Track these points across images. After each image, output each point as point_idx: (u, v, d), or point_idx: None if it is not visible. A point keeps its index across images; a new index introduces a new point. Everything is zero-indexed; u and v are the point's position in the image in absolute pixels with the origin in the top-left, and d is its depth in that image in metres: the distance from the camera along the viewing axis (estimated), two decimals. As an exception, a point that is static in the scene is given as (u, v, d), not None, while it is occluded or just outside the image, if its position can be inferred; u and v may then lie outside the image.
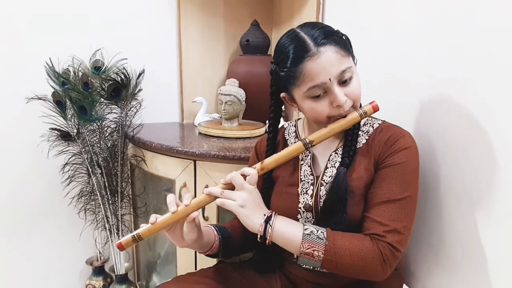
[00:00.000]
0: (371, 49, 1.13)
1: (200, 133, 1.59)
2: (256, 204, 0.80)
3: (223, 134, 1.51)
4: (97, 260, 1.77)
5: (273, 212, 0.81)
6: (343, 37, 0.82)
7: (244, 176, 0.82)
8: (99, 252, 1.77)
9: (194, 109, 1.83)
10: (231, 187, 0.81)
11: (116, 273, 1.71)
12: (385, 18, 1.08)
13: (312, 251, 0.76)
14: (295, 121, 1.03)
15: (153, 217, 0.81)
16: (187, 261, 1.44)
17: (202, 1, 1.80)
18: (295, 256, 0.86)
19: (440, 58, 0.87)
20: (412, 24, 0.97)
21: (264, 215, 0.80)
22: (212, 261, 1.12)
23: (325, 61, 0.77)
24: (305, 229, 0.78)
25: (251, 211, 0.79)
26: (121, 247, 0.80)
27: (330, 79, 0.77)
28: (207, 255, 0.95)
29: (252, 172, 0.82)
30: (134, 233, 0.80)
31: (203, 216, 1.33)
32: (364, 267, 0.75)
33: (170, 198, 0.83)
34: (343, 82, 0.80)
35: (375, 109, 0.81)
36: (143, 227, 0.81)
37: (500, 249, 0.73)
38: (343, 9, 1.31)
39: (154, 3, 1.77)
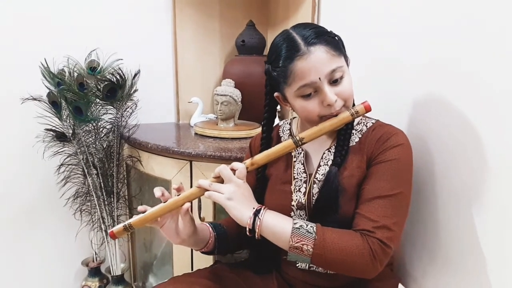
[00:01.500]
0: (367, 48, 1.14)
1: (196, 133, 1.59)
2: (244, 197, 0.81)
3: (219, 134, 1.51)
4: (93, 261, 1.77)
5: (263, 206, 0.81)
6: (336, 37, 0.83)
7: (234, 170, 0.82)
8: (95, 253, 1.76)
9: (190, 110, 1.83)
10: (221, 181, 0.82)
11: (112, 274, 1.70)
12: (380, 18, 1.09)
13: (301, 245, 0.76)
14: (290, 119, 1.04)
15: (141, 207, 0.83)
16: (184, 262, 1.44)
17: (198, 1, 1.80)
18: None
19: (435, 56, 0.88)
20: (408, 24, 0.97)
21: (254, 208, 0.80)
22: (209, 262, 1.12)
23: (314, 61, 0.78)
24: (295, 223, 0.78)
25: (239, 204, 0.79)
26: (113, 236, 0.83)
27: (319, 78, 0.78)
28: (202, 252, 0.95)
29: (240, 166, 0.82)
30: (126, 222, 0.82)
31: (199, 217, 1.33)
32: (353, 262, 0.75)
33: (157, 189, 0.84)
34: (333, 82, 0.80)
35: (367, 109, 0.81)
36: (135, 217, 0.83)
37: (497, 248, 0.73)
38: (339, 10, 1.32)
39: (150, 3, 1.77)
